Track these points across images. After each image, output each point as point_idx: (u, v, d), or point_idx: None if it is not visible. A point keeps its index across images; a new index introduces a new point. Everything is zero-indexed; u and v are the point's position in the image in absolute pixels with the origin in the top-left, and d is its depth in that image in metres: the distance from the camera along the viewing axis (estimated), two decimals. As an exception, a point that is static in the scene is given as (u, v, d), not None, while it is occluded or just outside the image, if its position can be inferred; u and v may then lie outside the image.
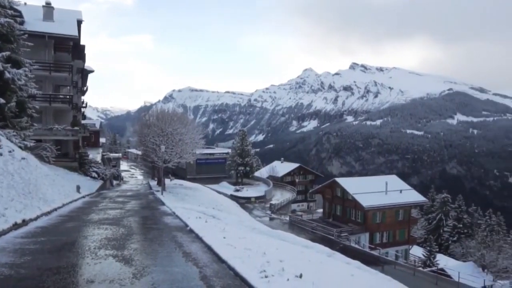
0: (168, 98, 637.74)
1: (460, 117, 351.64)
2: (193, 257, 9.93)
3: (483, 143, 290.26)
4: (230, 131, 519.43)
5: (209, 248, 10.88)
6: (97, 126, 62.68)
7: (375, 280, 10.12)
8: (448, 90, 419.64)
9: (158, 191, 33.71)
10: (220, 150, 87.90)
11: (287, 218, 52.27)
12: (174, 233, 13.84)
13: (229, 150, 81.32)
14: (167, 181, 41.56)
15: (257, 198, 61.64)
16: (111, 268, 8.61)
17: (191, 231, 14.03)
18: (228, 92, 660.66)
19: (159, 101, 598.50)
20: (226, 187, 65.54)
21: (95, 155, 47.88)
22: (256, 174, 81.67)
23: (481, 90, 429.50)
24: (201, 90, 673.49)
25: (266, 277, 7.81)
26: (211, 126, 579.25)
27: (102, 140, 72.15)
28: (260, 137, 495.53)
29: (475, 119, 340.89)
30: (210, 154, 77.86)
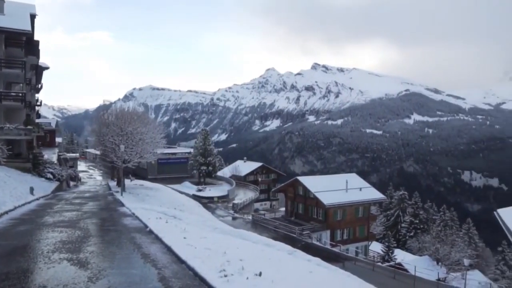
0: (128, 97, 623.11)
1: (416, 117, 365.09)
2: (152, 258, 9.75)
3: (438, 142, 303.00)
4: (193, 131, 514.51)
5: (169, 249, 10.72)
6: (53, 125, 60.37)
7: (334, 276, 10.30)
8: (405, 91, 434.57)
9: (117, 192, 32.85)
10: (182, 149, 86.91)
11: (250, 217, 52.34)
12: (133, 234, 13.54)
13: (192, 150, 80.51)
14: (127, 181, 40.61)
15: (220, 197, 61.36)
16: (65, 272, 8.31)
17: (151, 232, 13.78)
18: (190, 91, 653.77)
19: (119, 99, 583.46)
20: (189, 187, 64.85)
21: (50, 155, 46.05)
22: (219, 173, 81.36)
23: (436, 91, 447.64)
24: (162, 89, 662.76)
25: (225, 276, 7.77)
26: (173, 125, 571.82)
27: (59, 139, 69.54)
28: (223, 137, 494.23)
29: (430, 119, 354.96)
30: (172, 153, 76.82)
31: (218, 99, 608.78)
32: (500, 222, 17.77)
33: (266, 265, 9.09)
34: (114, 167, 44.97)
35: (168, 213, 22.70)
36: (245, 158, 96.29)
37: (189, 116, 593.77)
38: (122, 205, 24.10)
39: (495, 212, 19.28)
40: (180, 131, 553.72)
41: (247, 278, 7.80)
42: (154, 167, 69.33)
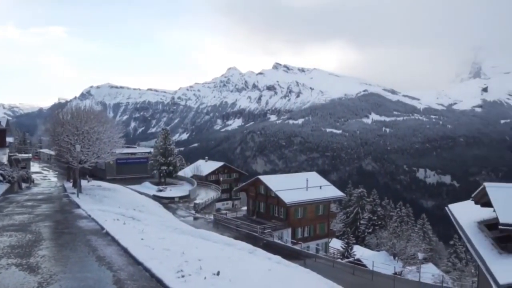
0: (85, 95, 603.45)
1: (374, 116, 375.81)
2: (108, 261, 9.48)
3: (394, 140, 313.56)
4: (153, 130, 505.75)
5: (125, 251, 10.46)
6: (3, 124, 57.37)
7: (293, 273, 10.41)
8: (364, 91, 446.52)
9: (73, 193, 31.77)
10: (142, 149, 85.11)
11: (212, 217, 52.06)
12: (89, 236, 13.12)
13: (152, 150, 79.04)
14: (83, 182, 39.35)
15: (181, 197, 60.65)
16: (13, 278, 7.92)
17: (107, 234, 13.40)
18: (150, 89, 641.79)
19: (75, 98, 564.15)
20: (149, 188, 63.67)
21: (0, 156, 43.87)
22: (180, 173, 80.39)
23: (393, 92, 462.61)
24: (121, 87, 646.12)
25: (183, 276, 7.67)
26: (133, 124, 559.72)
27: (9, 139, 66.22)
28: (184, 136, 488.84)
29: (387, 119, 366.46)
30: (131, 153, 75.09)
31: (179, 98, 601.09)
32: (451, 217, 18.53)
33: (225, 264, 9.06)
34: (70, 168, 43.43)
35: (126, 214, 22.20)
36: (206, 157, 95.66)
37: (149, 115, 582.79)
38: (78, 206, 23.35)
39: (446, 208, 20.07)
40: (140, 130, 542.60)
41: (205, 278, 7.74)
42: (112, 168, 67.49)
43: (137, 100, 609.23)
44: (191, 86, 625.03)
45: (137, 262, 9.17)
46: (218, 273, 8.07)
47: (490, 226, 14.55)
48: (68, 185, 41.13)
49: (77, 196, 29.71)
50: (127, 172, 70.14)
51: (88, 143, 34.94)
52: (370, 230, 68.02)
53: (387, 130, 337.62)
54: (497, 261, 11.67)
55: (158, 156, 69.40)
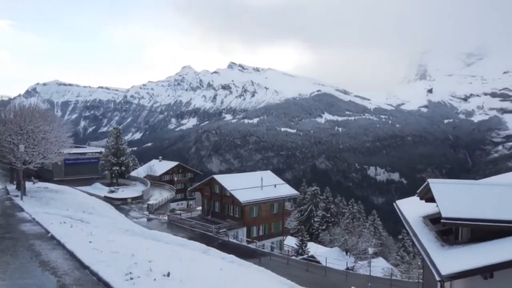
0: (31, 92, 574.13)
1: (327, 116, 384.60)
2: (52, 266, 9.03)
3: (347, 139, 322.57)
4: (104, 129, 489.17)
5: (71, 255, 10.03)
6: None
7: (244, 271, 10.40)
8: (317, 91, 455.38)
9: (17, 196, 30.13)
10: (92, 149, 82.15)
11: (166, 218, 51.22)
12: (32, 241, 12.46)
13: (103, 149, 76.42)
14: (29, 184, 37.42)
15: (134, 198, 59.14)
16: None
17: (53, 237, 12.80)
18: (101, 87, 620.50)
19: (19, 95, 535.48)
20: (100, 189, 61.55)
21: None
22: (133, 173, 78.38)
23: (345, 92, 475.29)
24: (70, 85, 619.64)
25: (131, 279, 7.45)
26: (83, 123, 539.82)
27: None
28: (137, 135, 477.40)
29: (340, 118, 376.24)
30: (81, 153, 72.29)
31: (132, 96, 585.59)
32: (398, 213, 19.29)
33: (176, 265, 8.90)
34: (13, 169, 41.12)
35: (74, 216, 21.34)
36: (160, 157, 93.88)
37: (100, 114, 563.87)
38: (22, 210, 22.17)
39: (394, 204, 20.88)
40: (90, 129, 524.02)
41: (155, 279, 7.55)
42: (60, 168, 64.66)
43: (87, 99, 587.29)
44: (144, 85, 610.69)
45: (83, 266, 8.81)
46: (168, 274, 7.91)
47: (434, 220, 15.27)
48: (11, 187, 38.93)
49: (21, 199, 28.21)
50: (76, 173, 67.46)
51: (33, 143, 33.27)
52: (323, 227, 69.46)
53: (340, 129, 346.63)
54: (440, 253, 12.25)
55: (109, 156, 67.26)
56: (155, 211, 55.15)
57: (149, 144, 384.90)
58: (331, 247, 55.54)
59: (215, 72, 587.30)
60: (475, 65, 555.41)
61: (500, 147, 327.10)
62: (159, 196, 65.68)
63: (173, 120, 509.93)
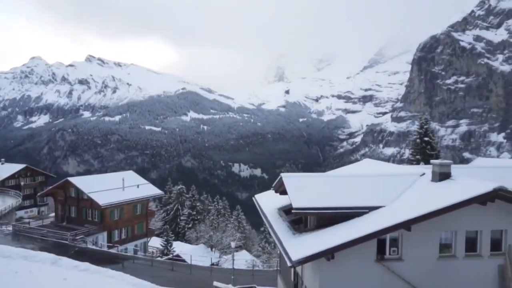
0: None
1: (192, 114, 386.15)
2: None
3: (212, 137, 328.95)
4: None
5: None
6: None
7: (95, 279, 9.79)
8: (182, 89, 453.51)
9: None
10: None
11: (10, 228, 45.44)
12: None
13: None
14: None
15: (-32, 208, 51.12)
16: None
17: None
18: None
19: None
20: None
21: None
22: (-33, 179, 67.62)
23: (209, 91, 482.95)
24: None
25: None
26: None
27: None
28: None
29: (205, 117, 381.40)
30: None
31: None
32: (257, 206, 20.42)
33: (10, 281, 7.89)
34: None
35: None
36: (3, 159, 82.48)
37: None
38: None
39: (253, 198, 22.06)
40: None
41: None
42: None
43: None
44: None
45: None
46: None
47: (287, 211, 16.58)
48: None
49: None
50: None
51: None
52: (190, 225, 69.54)
53: (205, 127, 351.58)
54: (291, 241, 13.32)
55: None
56: (-3, 221, 48.53)
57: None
58: (197, 244, 55.99)
59: (70, 65, 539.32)
60: (324, 69, 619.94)
61: (345, 143, 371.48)
62: (1, 203, 57.96)
63: (20, 117, 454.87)
